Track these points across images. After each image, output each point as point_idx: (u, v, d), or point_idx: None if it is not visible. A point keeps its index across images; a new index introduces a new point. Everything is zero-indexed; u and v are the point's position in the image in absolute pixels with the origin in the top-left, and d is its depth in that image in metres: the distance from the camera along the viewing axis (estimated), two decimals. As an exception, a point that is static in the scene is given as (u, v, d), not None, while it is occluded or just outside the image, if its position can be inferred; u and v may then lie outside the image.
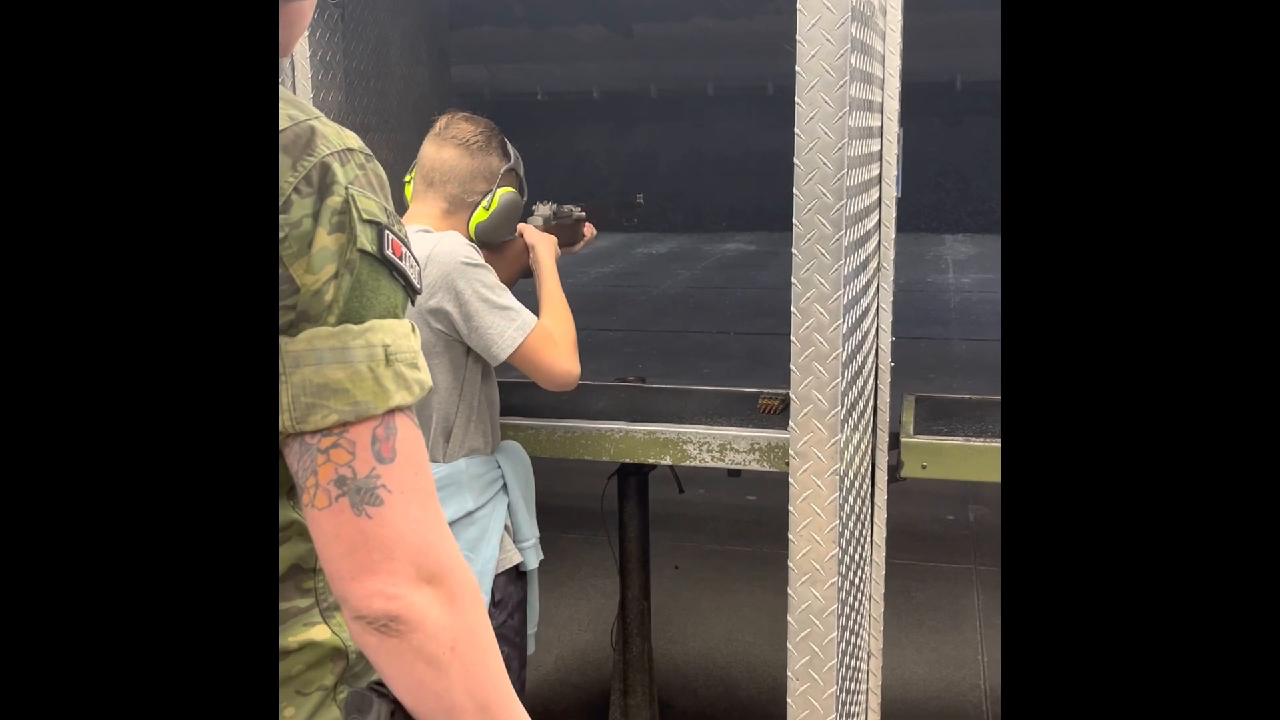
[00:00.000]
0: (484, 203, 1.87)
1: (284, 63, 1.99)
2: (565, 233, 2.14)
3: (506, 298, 1.79)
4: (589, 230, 2.21)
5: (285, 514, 0.86)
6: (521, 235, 2.03)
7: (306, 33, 1.97)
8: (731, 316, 9.33)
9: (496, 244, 1.96)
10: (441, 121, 1.89)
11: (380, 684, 0.85)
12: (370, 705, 0.83)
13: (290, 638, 0.88)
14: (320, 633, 0.89)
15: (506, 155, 1.90)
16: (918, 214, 14.43)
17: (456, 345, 1.80)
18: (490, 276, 1.79)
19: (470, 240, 1.88)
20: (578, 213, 2.18)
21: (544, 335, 1.80)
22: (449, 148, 1.86)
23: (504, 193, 1.88)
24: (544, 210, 2.11)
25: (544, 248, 2.01)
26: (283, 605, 0.87)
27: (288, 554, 0.87)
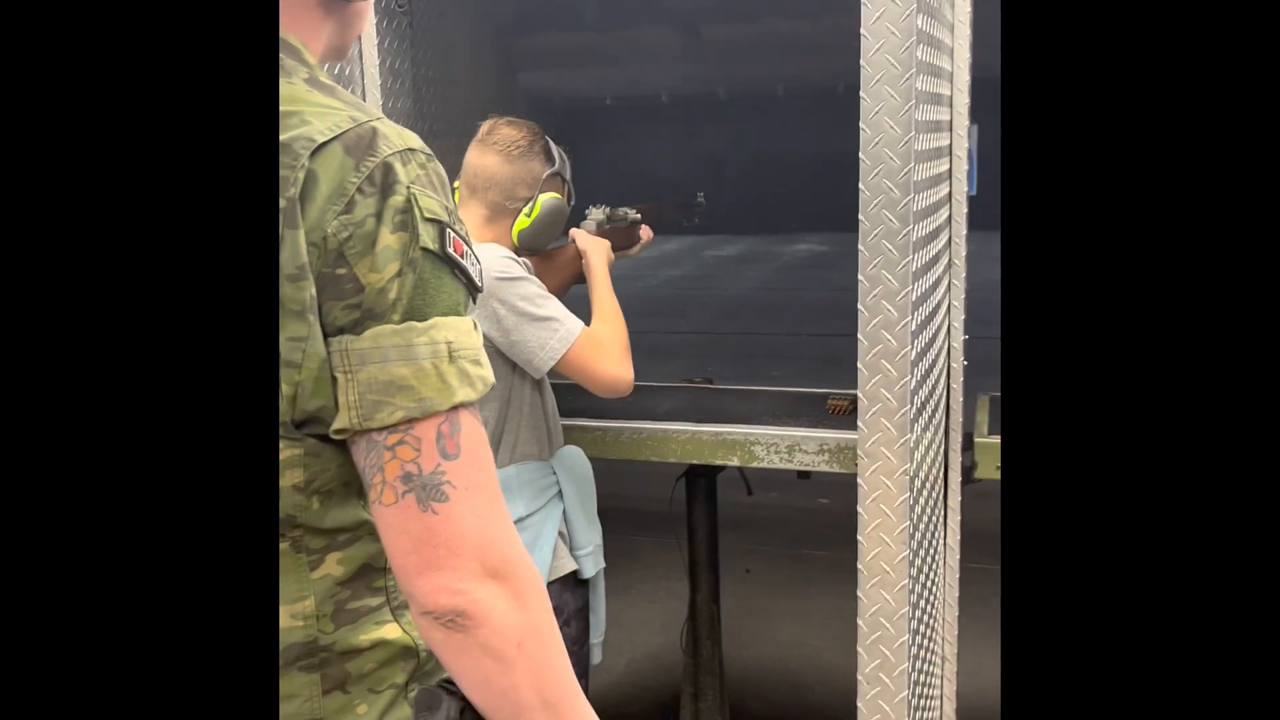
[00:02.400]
0: (526, 209, 1.84)
1: (353, 70, 2.02)
2: (620, 236, 2.10)
3: (549, 307, 1.76)
4: (645, 233, 2.16)
5: (356, 514, 0.87)
6: (574, 241, 2.00)
7: (376, 41, 2.01)
8: (802, 318, 9.27)
9: (543, 250, 1.93)
10: (485, 127, 1.87)
11: (450, 682, 0.85)
12: (440, 703, 0.83)
13: (362, 636, 0.88)
14: (391, 631, 0.90)
15: (550, 160, 1.87)
16: (993, 212, 14.11)
17: (499, 356, 1.77)
18: (528, 287, 1.76)
19: (514, 248, 1.86)
20: (633, 215, 2.13)
21: (591, 342, 1.78)
22: (490, 154, 1.84)
23: (546, 198, 1.84)
24: (597, 214, 2.08)
25: (596, 253, 1.98)
26: (354, 604, 0.88)
27: (359, 553, 0.88)
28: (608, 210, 2.10)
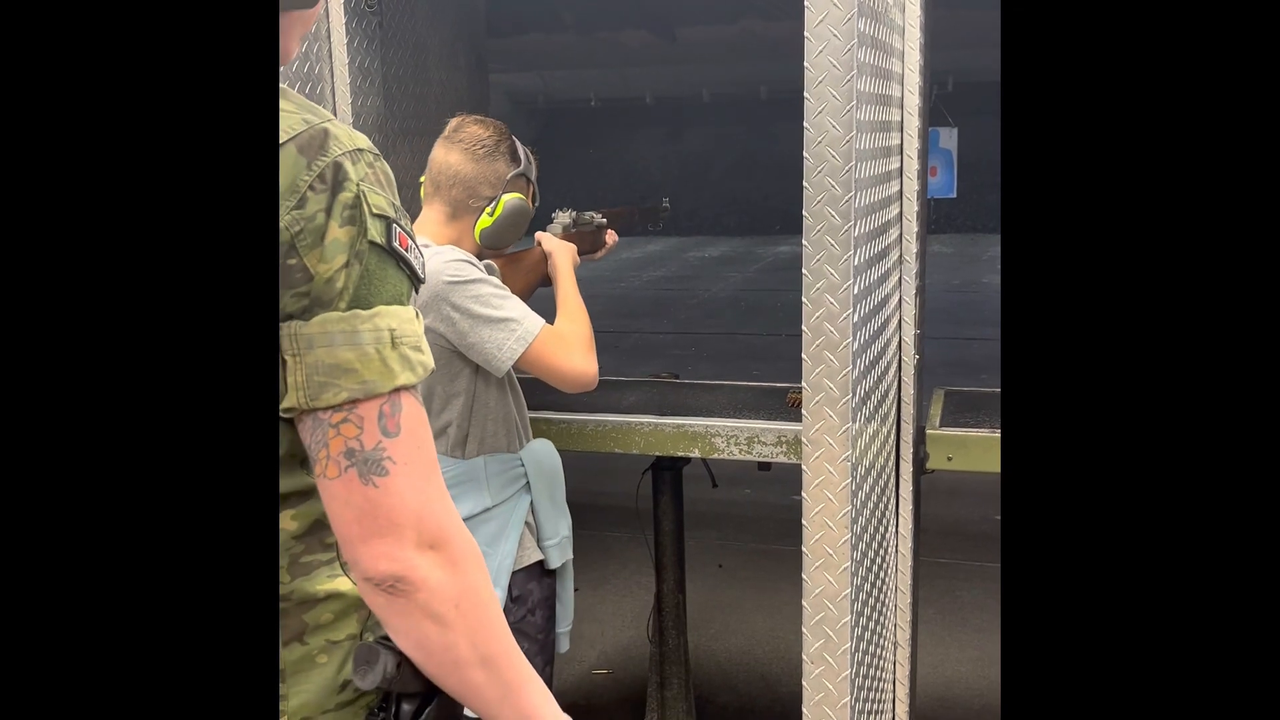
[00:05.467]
0: (489, 209, 1.84)
1: (322, 69, 2.06)
2: (585, 240, 2.12)
3: (506, 306, 1.76)
4: (610, 237, 2.19)
5: (305, 480, 0.92)
6: (540, 243, 2.02)
7: (345, 41, 2.05)
8: (783, 319, 9.32)
9: (507, 251, 1.94)
10: (452, 124, 1.88)
11: (387, 638, 0.91)
12: (377, 657, 0.90)
13: (317, 586, 0.94)
14: (344, 584, 0.96)
15: (515, 160, 1.87)
16: (976, 214, 14.24)
17: (461, 356, 1.79)
18: (481, 288, 1.76)
19: (476, 247, 1.87)
20: (598, 219, 2.16)
21: (552, 338, 1.78)
22: (455, 151, 1.84)
23: (510, 199, 1.84)
24: (563, 218, 2.10)
25: (561, 255, 1.99)
26: (308, 558, 0.94)
27: (311, 510, 0.93)
28: (573, 214, 2.12)
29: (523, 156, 1.88)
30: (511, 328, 1.75)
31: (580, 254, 2.09)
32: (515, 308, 1.78)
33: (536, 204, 1.95)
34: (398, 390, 0.86)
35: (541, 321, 1.79)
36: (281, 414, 0.86)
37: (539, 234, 2.05)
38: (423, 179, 1.90)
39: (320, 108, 0.91)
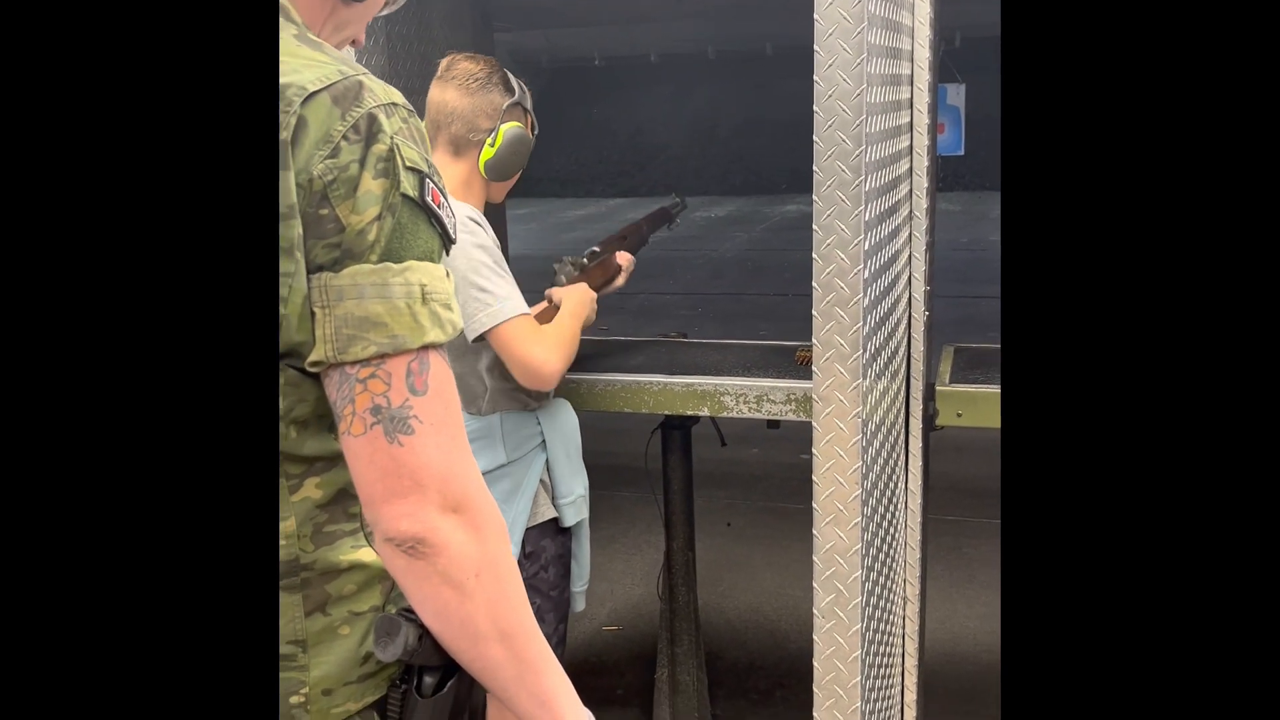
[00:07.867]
0: (489, 140, 1.86)
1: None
2: (595, 275, 2.11)
3: (493, 280, 1.77)
4: (624, 259, 2.17)
5: (331, 445, 0.91)
6: (550, 299, 2.00)
7: (348, -1, 2.02)
8: (791, 279, 9.29)
9: (511, 180, 1.95)
10: (444, 63, 1.90)
11: (409, 610, 0.90)
12: (399, 629, 0.88)
13: (341, 556, 0.93)
14: (367, 554, 0.94)
15: (509, 90, 1.88)
16: (985, 172, 14.10)
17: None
18: (481, 254, 1.77)
19: (485, 186, 1.88)
20: (602, 252, 2.15)
21: (524, 327, 1.79)
22: (450, 88, 1.86)
23: (509, 127, 1.86)
24: (566, 269, 2.09)
25: (570, 297, 1.98)
26: (331, 527, 0.93)
27: (336, 478, 0.92)
28: (571, 259, 2.11)
29: (516, 87, 1.90)
30: (487, 301, 1.75)
31: (597, 288, 2.07)
32: (501, 286, 1.78)
33: (536, 133, 1.95)
34: (426, 348, 0.86)
35: (523, 309, 1.79)
36: (309, 368, 0.86)
37: (548, 290, 2.02)
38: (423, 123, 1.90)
39: (355, 62, 0.90)
